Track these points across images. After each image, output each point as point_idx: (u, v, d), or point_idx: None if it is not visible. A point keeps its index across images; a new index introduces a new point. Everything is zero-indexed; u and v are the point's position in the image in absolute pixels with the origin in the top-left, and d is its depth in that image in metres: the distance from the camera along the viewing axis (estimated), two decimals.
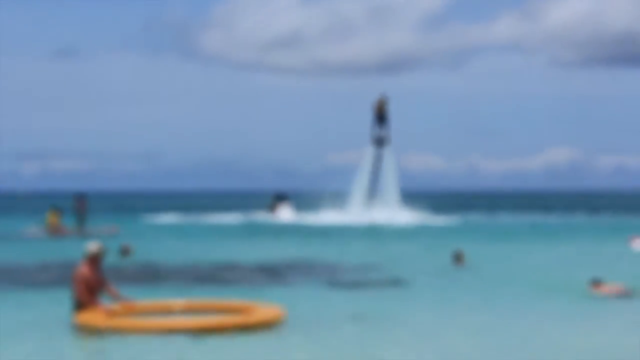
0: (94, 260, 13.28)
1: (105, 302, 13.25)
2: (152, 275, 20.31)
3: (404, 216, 48.18)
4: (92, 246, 13.37)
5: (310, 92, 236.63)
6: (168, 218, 57.19)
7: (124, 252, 25.40)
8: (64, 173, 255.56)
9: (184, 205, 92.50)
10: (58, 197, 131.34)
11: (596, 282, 17.08)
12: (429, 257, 25.27)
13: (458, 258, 22.76)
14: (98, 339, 11.98)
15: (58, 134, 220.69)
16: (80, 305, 13.02)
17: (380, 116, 49.75)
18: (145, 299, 14.48)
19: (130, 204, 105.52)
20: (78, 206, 39.28)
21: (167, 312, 13.58)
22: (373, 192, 50.52)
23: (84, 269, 13.16)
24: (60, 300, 14.90)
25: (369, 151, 50.22)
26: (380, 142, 49.76)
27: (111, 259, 23.93)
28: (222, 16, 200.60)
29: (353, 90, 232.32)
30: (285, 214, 55.85)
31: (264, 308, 13.32)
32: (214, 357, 10.94)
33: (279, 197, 58.70)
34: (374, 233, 39.44)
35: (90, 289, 13.09)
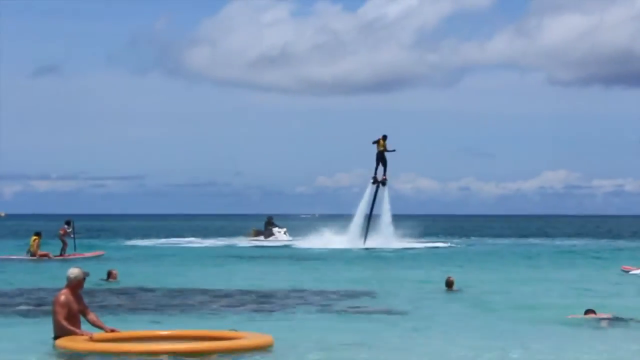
0: (75, 286, 13.00)
1: (88, 330, 12.88)
2: (136, 303, 19.90)
3: (397, 243, 48.76)
4: (73, 272, 13.07)
5: (300, 111, 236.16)
6: (152, 242, 56.76)
7: (110, 277, 24.98)
8: (45, 194, 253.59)
9: (169, 229, 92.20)
10: (38, 219, 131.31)
11: (588, 311, 16.89)
12: (420, 283, 24.99)
13: (449, 284, 22.45)
14: None
15: (39, 154, 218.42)
16: (61, 331, 12.70)
17: (381, 157, 50.31)
18: (128, 328, 14.09)
19: (113, 227, 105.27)
20: (62, 231, 38.73)
21: (152, 341, 13.13)
22: (369, 223, 51.74)
23: (64, 295, 12.88)
24: (42, 326, 14.57)
25: (369, 188, 51.66)
26: (377, 182, 51.00)
27: (97, 284, 23.45)
28: (208, 33, 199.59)
29: (344, 110, 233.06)
30: (282, 238, 54.90)
31: (252, 337, 12.99)
32: None
33: (271, 222, 57.65)
34: (366, 258, 38.96)
35: (71, 316, 12.80)
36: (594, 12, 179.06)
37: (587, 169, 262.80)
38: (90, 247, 42.41)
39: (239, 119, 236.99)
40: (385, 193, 50.70)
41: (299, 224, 58.11)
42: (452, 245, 51.42)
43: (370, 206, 51.10)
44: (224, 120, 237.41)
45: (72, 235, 38.92)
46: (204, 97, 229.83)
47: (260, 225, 61.25)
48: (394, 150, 50.30)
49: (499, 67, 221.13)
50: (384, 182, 50.41)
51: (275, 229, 56.74)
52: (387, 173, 50.31)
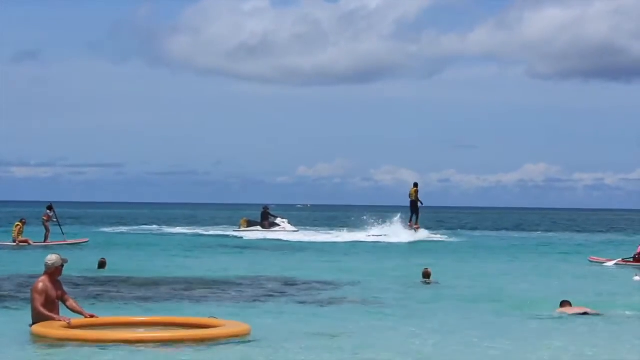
0: (54, 272, 13.14)
1: (66, 316, 13.03)
2: (120, 290, 20.04)
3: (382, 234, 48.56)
4: (51, 259, 13.21)
5: (280, 101, 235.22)
6: (135, 230, 56.83)
7: (101, 265, 25.16)
8: (23, 181, 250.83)
9: (153, 217, 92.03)
10: (17, 206, 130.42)
11: (564, 302, 17.25)
12: (398, 275, 25.23)
13: (426, 275, 22.88)
14: (56, 350, 11.78)
15: (18, 141, 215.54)
16: (39, 318, 12.85)
17: (413, 206, 48.98)
18: (110, 315, 14.37)
19: (93, 214, 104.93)
20: (46, 217, 38.95)
21: (130, 327, 13.37)
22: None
23: (42, 282, 13.01)
24: (19, 313, 14.70)
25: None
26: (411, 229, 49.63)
27: (87, 273, 23.72)
28: (190, 21, 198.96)
29: (324, 100, 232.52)
30: (289, 229, 53.21)
31: (228, 324, 13.22)
32: None
33: (268, 212, 55.08)
34: (349, 250, 39.26)
35: (49, 302, 12.93)
36: (574, 6, 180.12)
37: (567, 163, 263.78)
38: (72, 235, 42.48)
39: (219, 107, 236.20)
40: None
41: (297, 214, 57.58)
42: (432, 237, 51.69)
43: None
44: (204, 109, 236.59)
45: (54, 220, 39.08)
46: (185, 86, 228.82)
47: (245, 215, 60.13)
48: (422, 204, 48.75)
49: (479, 59, 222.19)
50: (416, 230, 49.11)
51: (278, 219, 54.47)
52: (419, 222, 49.08)
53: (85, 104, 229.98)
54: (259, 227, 53.43)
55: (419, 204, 48.60)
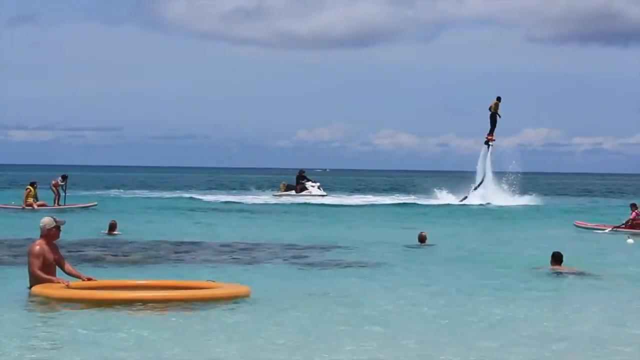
0: (49, 235, 13.09)
1: (64, 279, 13.05)
2: (124, 254, 20.27)
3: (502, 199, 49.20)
4: (44, 221, 13.15)
5: (277, 64, 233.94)
6: (144, 193, 57.14)
7: (111, 228, 25.44)
8: (22, 145, 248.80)
9: (160, 181, 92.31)
10: (16, 169, 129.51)
11: (555, 259, 17.71)
12: (396, 238, 25.64)
13: (421, 239, 23.55)
14: (54, 311, 11.93)
15: (16, 104, 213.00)
16: (37, 281, 12.88)
17: (492, 118, 50.35)
18: (111, 278, 14.56)
19: (94, 177, 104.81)
20: (54, 182, 39.84)
21: (128, 290, 13.30)
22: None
23: (39, 246, 13.00)
24: (17, 276, 14.72)
25: (482, 149, 51.99)
26: (487, 142, 51.24)
27: (96, 235, 24.34)
28: None
29: (321, 64, 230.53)
30: (315, 192, 53.41)
31: (229, 287, 13.37)
32: (173, 330, 10.97)
33: (304, 176, 55.01)
34: (366, 215, 39.71)
35: (46, 266, 12.94)
36: None
37: (567, 127, 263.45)
38: (78, 199, 43.01)
39: (216, 71, 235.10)
40: (489, 152, 50.92)
41: (322, 179, 56.02)
42: (431, 201, 52.30)
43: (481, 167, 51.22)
44: (201, 73, 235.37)
45: (64, 188, 39.86)
46: (181, 49, 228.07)
47: (284, 179, 60.39)
48: (500, 117, 50.19)
49: (476, 23, 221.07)
50: (487, 142, 50.67)
51: (308, 183, 54.54)
52: (495, 133, 50.62)
53: (83, 67, 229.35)
54: (293, 192, 53.76)
55: (498, 117, 49.91)
